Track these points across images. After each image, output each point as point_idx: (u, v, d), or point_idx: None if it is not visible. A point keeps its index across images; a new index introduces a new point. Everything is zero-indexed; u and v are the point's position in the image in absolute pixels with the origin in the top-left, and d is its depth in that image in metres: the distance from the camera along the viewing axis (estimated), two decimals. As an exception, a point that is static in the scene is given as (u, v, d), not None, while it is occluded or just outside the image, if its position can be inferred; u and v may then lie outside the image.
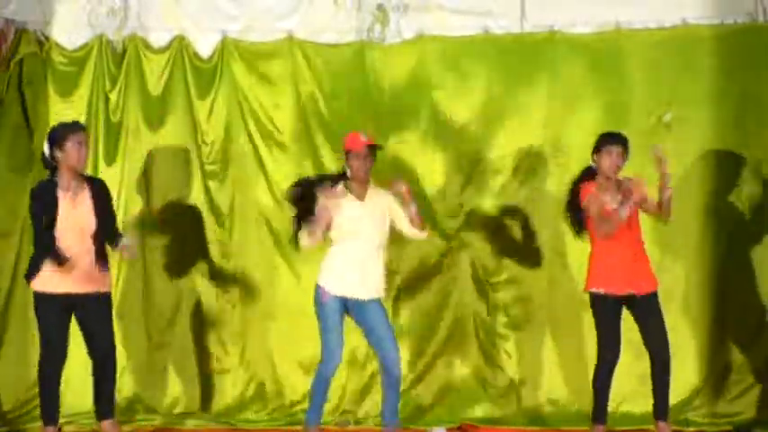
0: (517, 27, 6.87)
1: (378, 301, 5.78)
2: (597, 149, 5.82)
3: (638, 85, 6.70)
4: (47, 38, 6.88)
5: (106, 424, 5.73)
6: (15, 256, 6.68)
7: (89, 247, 5.60)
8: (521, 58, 6.83)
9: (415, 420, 6.59)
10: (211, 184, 6.89)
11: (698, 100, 6.65)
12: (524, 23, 6.87)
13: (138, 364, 6.75)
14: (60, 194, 5.57)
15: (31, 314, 5.76)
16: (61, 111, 6.83)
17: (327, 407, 6.22)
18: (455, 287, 6.81)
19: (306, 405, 6.06)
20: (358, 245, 5.69)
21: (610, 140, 5.78)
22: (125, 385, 6.64)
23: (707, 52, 6.66)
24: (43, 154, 5.67)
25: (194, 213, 6.87)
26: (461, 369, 6.76)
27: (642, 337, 5.79)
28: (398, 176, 5.92)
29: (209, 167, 6.90)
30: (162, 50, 6.92)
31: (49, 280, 5.55)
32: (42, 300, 5.58)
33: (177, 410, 6.75)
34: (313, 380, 5.82)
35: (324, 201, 5.66)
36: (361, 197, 5.77)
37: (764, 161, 6.57)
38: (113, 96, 6.88)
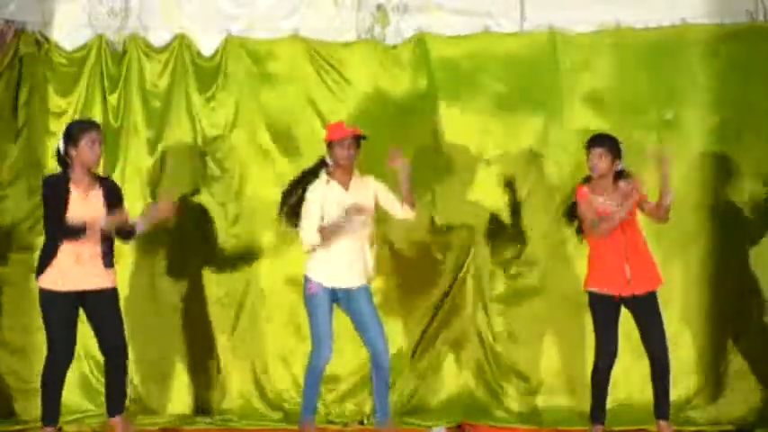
0: (517, 27, 6.88)
1: (365, 289, 5.84)
2: (586, 152, 5.85)
3: (637, 84, 6.71)
4: (46, 38, 6.87)
5: (116, 420, 5.72)
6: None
7: (97, 243, 5.58)
8: (520, 58, 6.82)
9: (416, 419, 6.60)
10: (214, 183, 6.87)
11: (697, 99, 6.66)
12: (524, 23, 6.88)
13: (143, 364, 6.71)
14: (72, 188, 5.58)
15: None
16: (60, 111, 6.83)
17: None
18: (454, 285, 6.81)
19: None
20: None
21: (590, 143, 5.82)
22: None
23: (707, 52, 6.67)
24: (58, 150, 5.69)
25: (196, 213, 6.84)
26: (462, 368, 6.76)
27: (641, 337, 5.82)
28: (396, 151, 5.84)
29: (210, 167, 6.88)
30: (163, 50, 6.92)
31: (56, 277, 5.54)
32: (49, 297, 5.56)
33: (180, 411, 6.74)
34: (305, 374, 5.85)
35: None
36: (345, 185, 5.80)
37: (764, 160, 6.57)
38: (113, 97, 6.87)
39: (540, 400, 6.65)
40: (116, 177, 6.56)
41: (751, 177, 6.58)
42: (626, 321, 5.85)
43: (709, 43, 6.67)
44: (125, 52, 6.88)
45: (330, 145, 5.81)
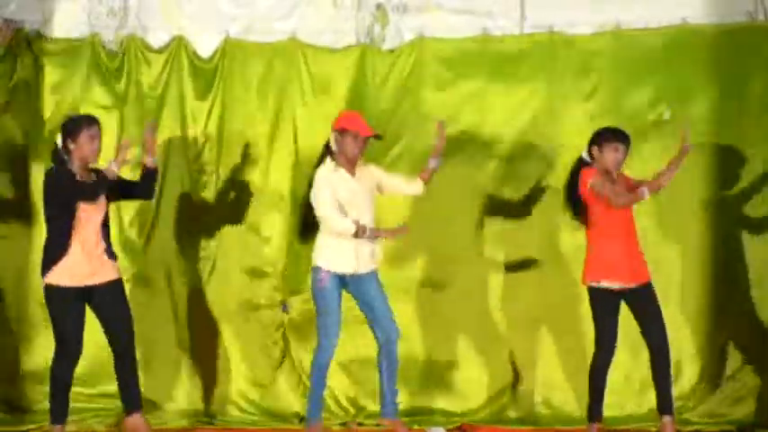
0: (517, 27, 6.89)
1: (375, 273, 5.80)
2: (599, 143, 5.80)
3: (637, 84, 6.71)
4: (44, 37, 6.86)
5: (132, 418, 5.67)
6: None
7: (99, 236, 5.60)
8: (520, 58, 6.82)
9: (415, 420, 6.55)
10: (210, 184, 6.85)
11: (697, 99, 6.66)
12: (524, 24, 6.88)
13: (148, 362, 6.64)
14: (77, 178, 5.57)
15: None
16: (56, 110, 6.80)
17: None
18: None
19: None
20: (352, 219, 5.68)
21: (615, 137, 5.79)
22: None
23: (707, 52, 6.67)
24: (56, 145, 5.68)
25: (192, 213, 6.83)
26: (461, 368, 6.73)
27: (641, 329, 5.79)
28: (440, 124, 5.94)
29: (206, 167, 6.86)
30: (161, 50, 6.91)
31: (62, 272, 5.50)
32: (55, 293, 5.51)
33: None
34: (311, 373, 5.78)
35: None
36: (351, 173, 5.80)
37: (764, 159, 6.57)
38: (110, 96, 6.85)
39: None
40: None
41: (751, 176, 6.58)
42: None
43: (709, 43, 6.67)
44: (122, 52, 6.86)
45: (342, 132, 5.76)
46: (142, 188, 5.89)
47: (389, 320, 5.76)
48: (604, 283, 5.71)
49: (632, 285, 5.71)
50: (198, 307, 6.74)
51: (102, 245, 5.60)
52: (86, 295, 5.56)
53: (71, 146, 5.58)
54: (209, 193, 6.83)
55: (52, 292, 5.51)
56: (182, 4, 6.97)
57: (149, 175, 5.86)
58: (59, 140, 5.65)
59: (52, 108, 6.78)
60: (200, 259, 6.80)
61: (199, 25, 6.95)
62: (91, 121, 5.71)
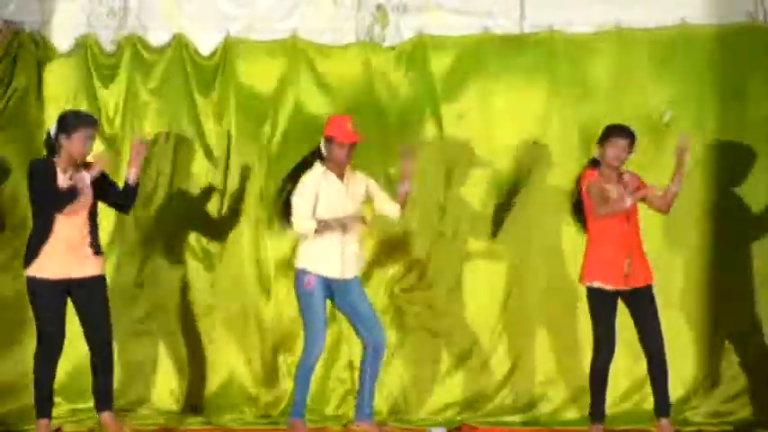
0: (516, 27, 6.88)
1: (358, 280, 5.87)
2: (603, 139, 5.85)
3: (637, 84, 6.70)
4: (44, 38, 6.87)
5: (105, 416, 5.67)
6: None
7: (85, 229, 5.57)
8: (520, 57, 6.82)
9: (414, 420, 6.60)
10: (211, 182, 6.86)
11: (697, 99, 6.65)
12: (524, 23, 6.88)
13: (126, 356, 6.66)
14: (59, 174, 5.53)
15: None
16: (56, 111, 6.77)
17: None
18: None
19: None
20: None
21: (617, 132, 5.83)
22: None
23: (706, 52, 6.66)
24: (48, 134, 5.65)
25: (194, 212, 6.86)
26: (460, 369, 6.74)
27: (637, 331, 5.81)
28: (407, 148, 5.99)
29: (206, 166, 6.87)
30: (161, 49, 6.92)
31: (44, 264, 5.49)
32: (37, 285, 5.50)
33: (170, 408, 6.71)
34: (296, 372, 5.82)
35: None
36: (340, 177, 5.82)
37: (764, 160, 6.56)
38: (110, 96, 6.86)
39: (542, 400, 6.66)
40: (111, 176, 6.40)
41: (751, 177, 6.57)
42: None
43: (709, 43, 6.66)
44: (121, 52, 6.87)
45: (329, 140, 5.79)
46: (121, 200, 5.78)
47: (379, 326, 5.83)
48: (599, 284, 5.74)
49: (628, 288, 5.74)
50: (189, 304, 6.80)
51: (88, 239, 5.57)
52: (67, 288, 5.54)
53: (63, 141, 5.54)
54: (210, 190, 6.86)
55: (34, 285, 5.51)
56: (182, 4, 6.97)
57: (130, 191, 5.78)
58: (53, 130, 5.61)
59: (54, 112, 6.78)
60: (197, 256, 6.84)
61: (199, 25, 6.95)
62: (89, 122, 5.67)
